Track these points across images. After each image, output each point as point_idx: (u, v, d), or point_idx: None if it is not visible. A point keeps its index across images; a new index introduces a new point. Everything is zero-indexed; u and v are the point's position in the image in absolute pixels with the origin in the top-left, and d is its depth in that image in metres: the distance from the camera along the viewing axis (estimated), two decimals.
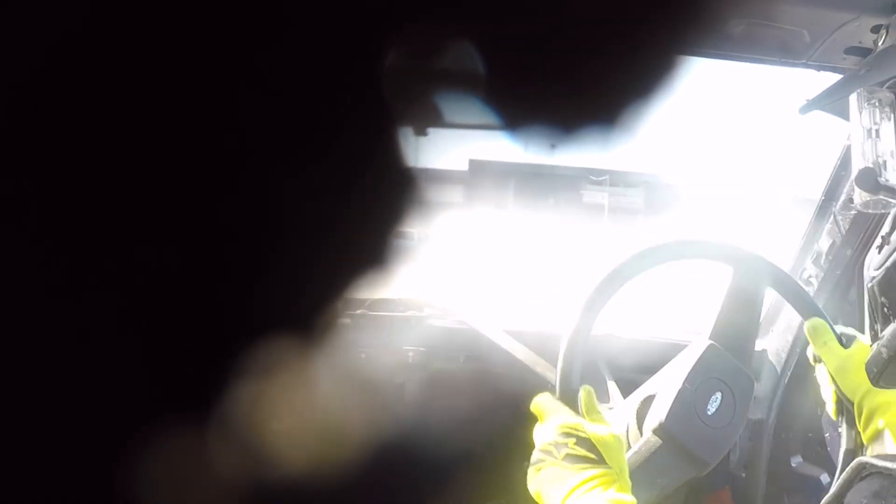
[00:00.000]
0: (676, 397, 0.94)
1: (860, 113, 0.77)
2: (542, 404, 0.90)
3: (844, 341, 0.97)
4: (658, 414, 0.95)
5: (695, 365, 0.97)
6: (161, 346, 0.23)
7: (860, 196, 0.74)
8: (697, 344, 1.03)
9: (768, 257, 1.08)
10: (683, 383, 0.95)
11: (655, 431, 0.94)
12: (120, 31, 0.20)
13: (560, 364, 0.94)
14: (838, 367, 0.97)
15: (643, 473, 0.92)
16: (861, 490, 0.71)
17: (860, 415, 0.94)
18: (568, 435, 0.83)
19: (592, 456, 0.80)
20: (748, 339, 1.06)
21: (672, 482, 0.93)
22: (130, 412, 0.23)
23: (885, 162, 0.72)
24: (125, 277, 0.22)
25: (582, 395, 0.89)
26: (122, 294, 0.22)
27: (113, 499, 0.23)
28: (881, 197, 0.71)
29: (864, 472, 0.71)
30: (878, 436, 0.91)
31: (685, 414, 0.94)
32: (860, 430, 0.94)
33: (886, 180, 0.71)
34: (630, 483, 0.81)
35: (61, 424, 0.22)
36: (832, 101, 0.94)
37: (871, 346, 0.84)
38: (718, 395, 0.96)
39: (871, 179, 0.72)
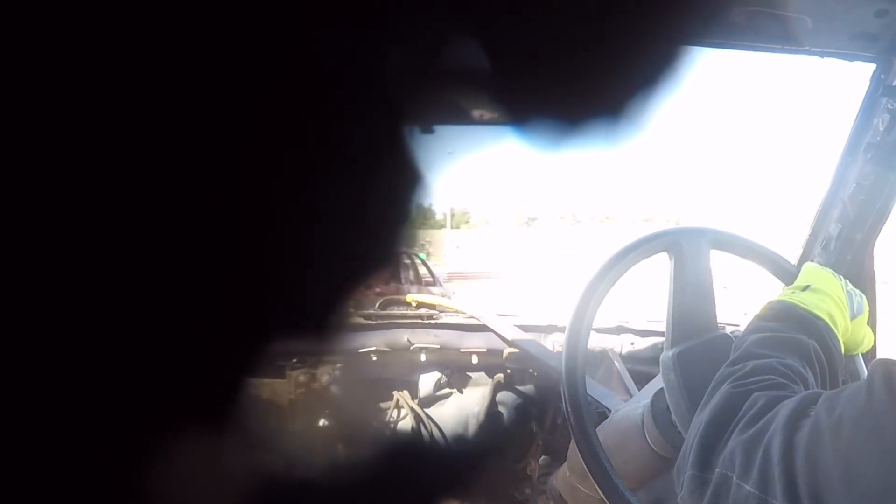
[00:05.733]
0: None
1: None
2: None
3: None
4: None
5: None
6: (170, 348, 0.23)
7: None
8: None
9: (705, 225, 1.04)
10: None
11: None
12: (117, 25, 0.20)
13: (564, 355, 0.95)
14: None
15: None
16: None
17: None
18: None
19: None
20: (708, 310, 1.01)
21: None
22: (139, 414, 0.23)
23: None
24: (129, 278, 0.22)
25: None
26: (128, 294, 0.22)
27: (123, 501, 0.23)
28: None
29: None
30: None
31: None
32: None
33: None
34: None
35: (66, 428, 0.22)
36: None
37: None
38: None
39: None
